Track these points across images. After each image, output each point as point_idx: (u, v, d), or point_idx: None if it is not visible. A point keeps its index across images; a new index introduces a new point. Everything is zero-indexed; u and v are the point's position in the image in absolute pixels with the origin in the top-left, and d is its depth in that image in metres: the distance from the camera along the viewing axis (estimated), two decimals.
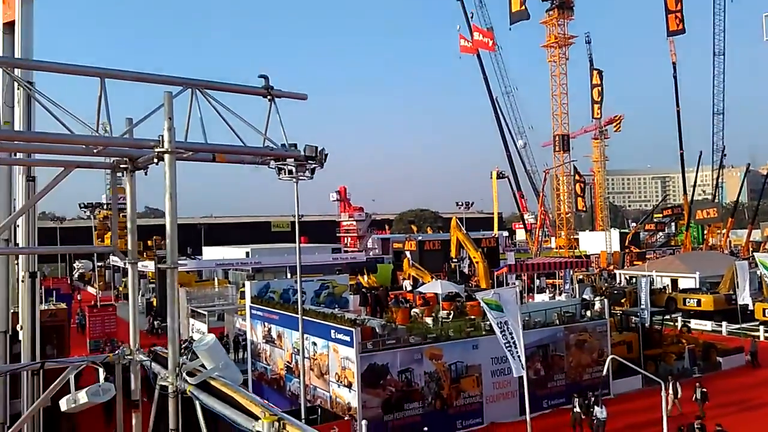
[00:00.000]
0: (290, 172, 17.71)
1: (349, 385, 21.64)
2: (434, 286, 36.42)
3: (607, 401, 23.53)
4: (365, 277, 57.48)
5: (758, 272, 43.23)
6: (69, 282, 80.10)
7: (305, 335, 22.40)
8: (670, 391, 22.58)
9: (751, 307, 40.73)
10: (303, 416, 19.77)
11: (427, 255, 64.52)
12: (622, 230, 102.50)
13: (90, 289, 74.10)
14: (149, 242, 71.73)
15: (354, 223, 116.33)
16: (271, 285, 32.36)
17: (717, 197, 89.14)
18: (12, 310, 10.32)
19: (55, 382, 7.92)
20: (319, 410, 21.61)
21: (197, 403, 6.31)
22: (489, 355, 23.64)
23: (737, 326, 39.21)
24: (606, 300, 29.16)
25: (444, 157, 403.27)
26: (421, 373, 22.37)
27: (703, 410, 22.72)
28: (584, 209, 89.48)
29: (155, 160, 6.98)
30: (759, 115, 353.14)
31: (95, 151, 7.08)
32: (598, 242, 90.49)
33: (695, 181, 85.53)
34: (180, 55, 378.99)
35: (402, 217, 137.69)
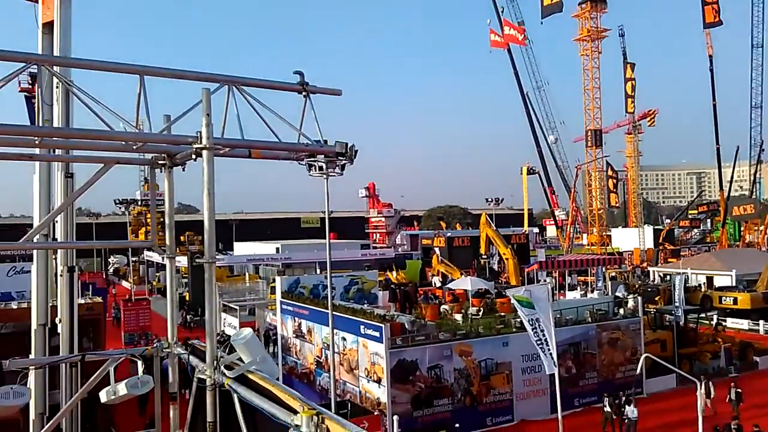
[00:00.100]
0: (320, 168, 17.85)
1: (379, 381, 21.69)
2: (464, 283, 36.21)
3: (640, 400, 23.19)
4: (394, 273, 57.50)
5: None
6: (104, 276, 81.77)
7: (335, 330, 22.51)
8: (702, 391, 22.14)
9: None
10: (333, 411, 19.87)
11: (455, 251, 64.30)
12: (655, 227, 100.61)
13: (124, 283, 75.61)
14: (182, 238, 72.89)
15: (383, 219, 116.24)
16: (301, 280, 32.61)
17: (754, 193, 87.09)
18: (50, 304, 10.56)
19: (96, 374, 8.08)
20: (349, 405, 21.72)
21: (235, 396, 6.37)
22: (519, 353, 23.47)
23: None
24: (639, 298, 28.73)
25: (473, 153, 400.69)
26: (450, 369, 22.31)
27: (737, 411, 22.20)
28: (617, 205, 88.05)
29: (193, 156, 7.06)
30: None
31: (135, 147, 7.20)
32: (631, 239, 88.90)
33: (732, 177, 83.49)
34: (213, 55, 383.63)
35: (431, 214, 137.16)
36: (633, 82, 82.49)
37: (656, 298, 42.88)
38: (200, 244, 71.86)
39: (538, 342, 19.68)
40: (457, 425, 20.79)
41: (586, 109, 75.82)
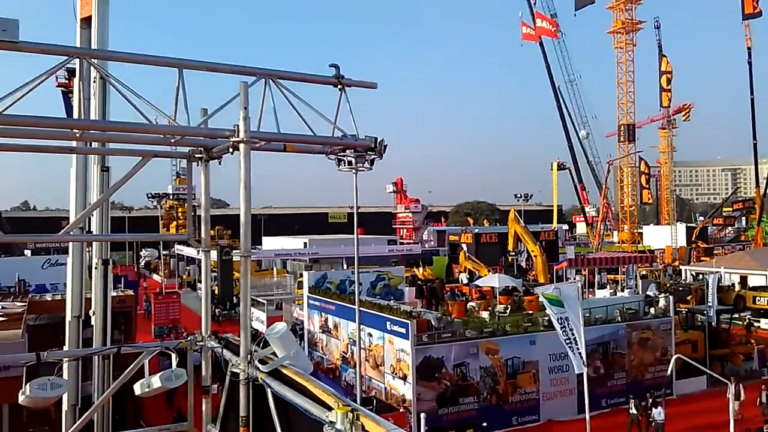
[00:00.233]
0: (350, 163, 17.84)
1: (404, 378, 21.68)
2: (491, 280, 35.95)
3: (670, 401, 22.78)
4: (421, 269, 57.37)
5: None
6: (135, 270, 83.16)
7: (361, 326, 22.56)
8: (732, 393, 21.64)
9: None
10: None
11: (483, 248, 63.75)
12: (689, 224, 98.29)
13: (155, 276, 76.79)
14: (212, 232, 73.66)
15: (410, 214, 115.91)
16: (328, 275, 32.77)
17: None
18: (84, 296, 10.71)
19: (131, 366, 8.18)
20: (374, 401, 21.74)
21: (269, 391, 6.38)
22: (547, 352, 23.24)
23: None
24: (671, 297, 28.22)
25: (502, 148, 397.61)
26: (476, 367, 22.20)
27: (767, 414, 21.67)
28: (650, 202, 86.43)
29: (230, 150, 7.09)
30: None
31: (173, 140, 7.26)
32: (663, 237, 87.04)
33: None
34: (246, 47, 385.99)
35: (458, 209, 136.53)
36: (669, 75, 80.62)
37: (688, 298, 42.06)
38: (230, 238, 72.56)
39: (567, 341, 19.45)
40: (484, 424, 20.65)
41: (619, 104, 74.64)
